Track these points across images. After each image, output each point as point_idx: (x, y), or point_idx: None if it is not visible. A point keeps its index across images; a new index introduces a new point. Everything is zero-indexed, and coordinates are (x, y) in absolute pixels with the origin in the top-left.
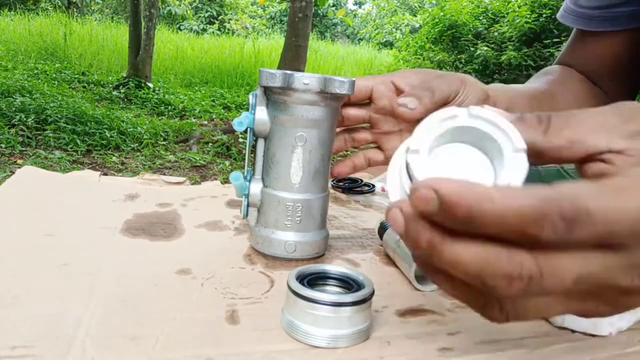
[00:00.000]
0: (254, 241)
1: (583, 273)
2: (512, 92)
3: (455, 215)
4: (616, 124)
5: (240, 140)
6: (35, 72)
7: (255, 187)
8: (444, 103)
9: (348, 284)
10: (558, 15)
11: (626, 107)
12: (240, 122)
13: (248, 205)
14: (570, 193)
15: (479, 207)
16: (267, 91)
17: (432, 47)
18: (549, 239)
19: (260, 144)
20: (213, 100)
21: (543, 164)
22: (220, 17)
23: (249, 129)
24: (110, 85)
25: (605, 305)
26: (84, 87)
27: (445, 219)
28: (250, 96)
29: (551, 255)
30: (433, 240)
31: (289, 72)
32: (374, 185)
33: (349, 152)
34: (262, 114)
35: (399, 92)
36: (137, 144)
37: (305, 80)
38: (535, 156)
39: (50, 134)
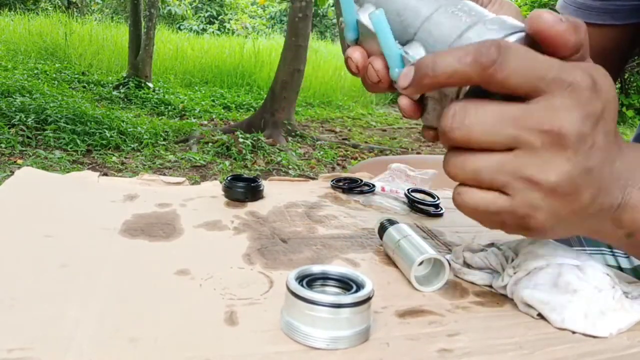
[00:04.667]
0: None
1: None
2: None
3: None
4: None
5: (240, 140)
6: (35, 72)
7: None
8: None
9: (347, 284)
10: (557, 6)
11: None
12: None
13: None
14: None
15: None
16: None
17: None
18: (489, 61)
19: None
20: (213, 100)
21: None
22: (220, 17)
23: None
24: (110, 85)
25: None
26: (84, 87)
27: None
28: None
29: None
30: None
31: None
32: (374, 185)
33: None
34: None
35: None
36: (137, 144)
37: None
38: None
39: (50, 134)
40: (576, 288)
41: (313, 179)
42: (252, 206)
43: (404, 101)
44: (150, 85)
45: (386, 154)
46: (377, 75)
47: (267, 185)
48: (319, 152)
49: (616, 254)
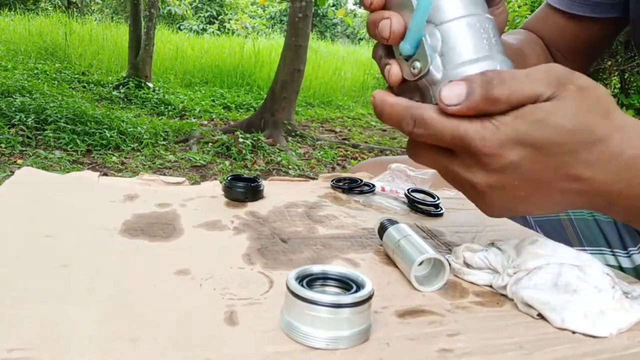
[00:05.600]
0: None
1: (437, 167)
2: None
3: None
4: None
5: (240, 140)
6: (35, 72)
7: (432, 26)
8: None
9: (347, 284)
10: None
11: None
12: None
13: (433, 52)
14: (420, 105)
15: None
16: None
17: None
18: (407, 130)
19: None
20: (213, 100)
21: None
22: (220, 17)
23: None
24: (110, 85)
25: (477, 197)
26: (84, 87)
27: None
28: None
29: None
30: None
31: None
32: (374, 185)
33: None
34: None
35: None
36: (137, 144)
37: None
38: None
39: (50, 134)
40: (576, 288)
41: (313, 179)
42: (252, 206)
43: (395, 69)
44: (150, 85)
45: (386, 154)
46: (389, 33)
47: (267, 185)
48: (319, 152)
49: (617, 254)
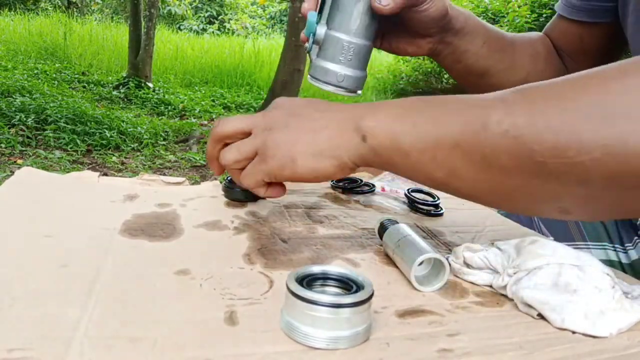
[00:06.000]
0: (313, 71)
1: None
2: (473, 20)
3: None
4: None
5: None
6: (35, 72)
7: (321, 29)
8: (414, 4)
9: (347, 284)
10: (555, 6)
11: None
12: None
13: (313, 42)
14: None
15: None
16: None
17: None
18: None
19: None
20: (213, 100)
21: None
22: (220, 17)
23: None
24: (110, 85)
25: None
26: (84, 87)
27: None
28: None
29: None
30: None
31: None
32: (374, 185)
33: None
34: None
35: None
36: (137, 144)
37: None
38: None
39: (50, 134)
40: (576, 288)
41: None
42: (252, 206)
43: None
44: (150, 85)
45: None
46: (305, 12)
47: None
48: None
49: (617, 249)
